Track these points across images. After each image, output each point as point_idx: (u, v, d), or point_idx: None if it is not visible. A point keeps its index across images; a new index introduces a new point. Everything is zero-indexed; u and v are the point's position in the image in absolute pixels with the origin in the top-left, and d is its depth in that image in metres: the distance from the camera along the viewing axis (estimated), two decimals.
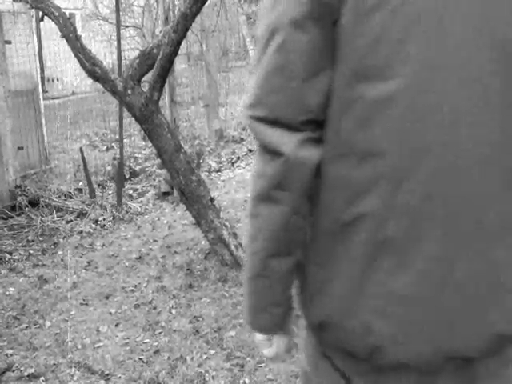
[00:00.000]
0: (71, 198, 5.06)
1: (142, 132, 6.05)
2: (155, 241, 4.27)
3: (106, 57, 9.86)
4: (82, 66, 3.51)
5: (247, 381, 2.55)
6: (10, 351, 2.89)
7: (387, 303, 0.94)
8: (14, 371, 2.72)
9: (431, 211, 0.90)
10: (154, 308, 3.25)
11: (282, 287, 1.01)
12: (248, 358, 2.67)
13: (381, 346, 0.96)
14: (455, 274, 0.92)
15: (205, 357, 2.73)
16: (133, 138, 7.36)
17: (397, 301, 0.93)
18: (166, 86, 4.93)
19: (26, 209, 4.77)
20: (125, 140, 6.24)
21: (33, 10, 4.81)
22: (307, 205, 0.97)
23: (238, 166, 6.50)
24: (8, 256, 4.07)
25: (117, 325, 3.11)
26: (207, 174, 6.03)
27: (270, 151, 0.93)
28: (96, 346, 2.91)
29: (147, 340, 2.93)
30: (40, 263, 3.99)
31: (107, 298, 3.42)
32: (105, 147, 7.37)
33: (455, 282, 0.93)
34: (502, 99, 0.90)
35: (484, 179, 0.91)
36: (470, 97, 0.88)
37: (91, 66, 3.47)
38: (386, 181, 0.89)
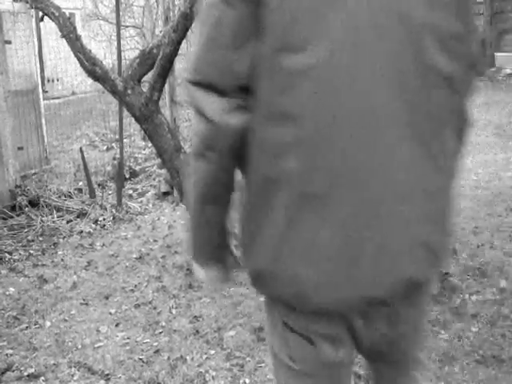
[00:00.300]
0: (71, 197, 5.06)
1: (142, 132, 6.05)
2: (155, 241, 4.27)
3: (105, 57, 9.85)
4: (82, 65, 3.50)
5: (247, 381, 2.55)
6: (10, 351, 2.89)
7: (310, 253, 1.05)
8: (14, 371, 2.72)
9: (346, 172, 1.01)
10: (154, 308, 3.25)
11: (215, 229, 1.18)
12: (248, 358, 2.67)
13: (306, 293, 1.08)
14: (370, 228, 1.04)
15: (205, 357, 2.73)
16: (133, 138, 7.35)
17: (319, 251, 1.05)
18: (166, 85, 4.94)
19: (26, 209, 4.77)
20: (125, 140, 6.23)
21: (33, 9, 4.81)
22: (234, 163, 1.10)
23: None
24: (8, 256, 4.07)
25: (117, 325, 3.11)
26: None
27: (202, 115, 1.06)
28: (96, 346, 2.91)
29: (147, 340, 2.93)
30: (40, 263, 3.99)
31: (107, 298, 3.42)
32: (105, 147, 7.37)
33: (370, 234, 1.04)
34: (411, 68, 1.01)
35: (394, 143, 1.02)
36: (380, 68, 0.99)
37: (91, 66, 3.47)
38: (304, 143, 1.00)
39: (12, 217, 4.71)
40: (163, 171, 5.26)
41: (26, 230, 4.48)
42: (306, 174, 1.01)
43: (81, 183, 5.39)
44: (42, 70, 10.48)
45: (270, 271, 1.10)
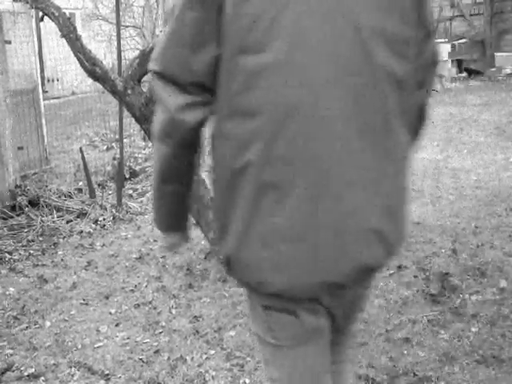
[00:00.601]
0: (71, 198, 5.06)
1: (142, 132, 6.05)
2: (155, 241, 4.27)
3: (105, 57, 9.85)
4: (82, 65, 3.50)
5: (247, 381, 2.54)
6: (10, 351, 2.89)
7: (271, 240, 1.13)
8: (13, 371, 2.72)
9: (300, 162, 1.10)
10: (154, 308, 3.25)
11: (172, 203, 1.33)
12: (248, 358, 2.67)
13: (267, 280, 1.16)
14: (324, 215, 1.12)
15: (205, 357, 2.73)
16: (133, 138, 7.35)
17: (279, 238, 1.13)
18: None
19: (26, 209, 4.77)
20: (125, 140, 6.23)
21: (33, 9, 4.80)
22: (190, 151, 1.23)
23: None
24: (8, 256, 4.07)
25: (117, 325, 3.10)
26: (207, 173, 6.02)
27: (161, 105, 1.17)
28: (96, 345, 2.91)
29: (147, 340, 2.93)
30: (40, 263, 3.99)
31: (107, 298, 3.42)
32: (105, 147, 7.37)
33: (325, 221, 1.12)
34: (360, 68, 1.10)
35: (344, 136, 1.11)
36: (328, 67, 1.08)
37: (91, 66, 3.47)
38: (262, 137, 1.10)
39: (12, 217, 4.71)
40: None
41: (26, 230, 4.48)
42: (265, 165, 1.11)
43: (81, 183, 5.39)
44: (42, 70, 10.48)
45: (236, 257, 1.19)
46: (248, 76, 1.08)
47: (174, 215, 1.37)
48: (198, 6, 1.10)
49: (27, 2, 3.67)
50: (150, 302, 3.31)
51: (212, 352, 2.77)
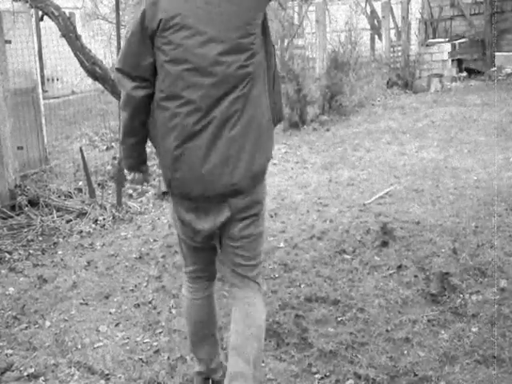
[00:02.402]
0: (71, 197, 5.05)
1: None
2: (155, 240, 4.26)
3: (105, 56, 9.84)
4: (82, 65, 3.51)
5: None
6: (10, 351, 2.89)
7: (183, 166, 1.97)
8: (13, 371, 2.72)
9: (192, 113, 1.93)
10: (154, 308, 3.25)
11: (133, 151, 2.17)
12: None
13: (173, 185, 2.04)
14: (210, 146, 1.93)
15: None
16: None
17: (185, 165, 1.97)
18: None
19: (26, 208, 4.77)
20: None
21: (33, 9, 4.80)
22: (139, 116, 2.05)
23: None
24: (8, 256, 4.06)
25: (117, 325, 3.10)
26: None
27: (122, 88, 2.03)
28: (96, 345, 2.90)
29: (147, 340, 2.93)
30: (40, 263, 3.99)
31: (107, 297, 3.42)
32: (105, 147, 7.36)
33: (210, 152, 1.93)
34: (230, 37, 1.89)
35: (211, 89, 1.91)
36: (216, 49, 1.91)
37: (91, 66, 3.47)
38: (182, 111, 1.93)
39: (12, 216, 4.71)
40: None
41: (25, 230, 4.48)
42: (186, 124, 1.93)
43: (81, 183, 5.38)
44: (42, 70, 10.47)
45: (170, 179, 2.04)
46: (172, 76, 1.93)
47: (135, 158, 2.19)
48: (137, 33, 1.95)
49: (27, 2, 3.67)
50: (150, 302, 3.31)
51: None
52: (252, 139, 1.94)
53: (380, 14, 12.30)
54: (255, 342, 2.09)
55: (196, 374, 2.44)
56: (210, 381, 2.43)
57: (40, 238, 4.39)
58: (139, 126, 2.07)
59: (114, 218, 4.74)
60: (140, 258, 3.98)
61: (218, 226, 2.04)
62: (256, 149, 1.96)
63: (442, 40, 11.89)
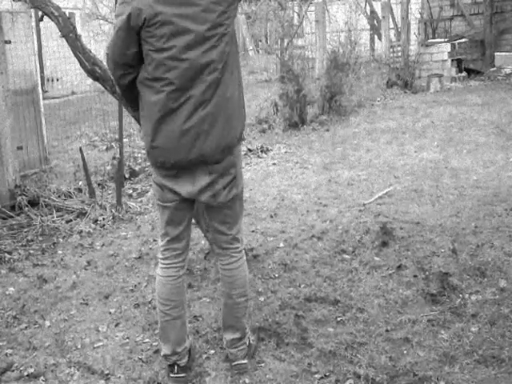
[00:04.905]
0: (71, 197, 5.05)
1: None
2: (155, 240, 4.26)
3: (105, 56, 9.82)
4: (82, 65, 3.50)
5: (247, 381, 2.55)
6: (10, 351, 2.89)
7: (166, 137, 2.31)
8: (13, 371, 2.72)
9: (180, 98, 2.28)
10: (154, 308, 3.24)
11: (131, 111, 2.95)
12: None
13: (151, 153, 2.37)
14: (185, 121, 2.29)
15: (205, 357, 2.73)
16: (132, 138, 7.35)
17: (169, 136, 2.30)
18: None
19: (26, 208, 4.77)
20: (124, 140, 6.23)
21: (32, 9, 4.80)
22: (129, 91, 2.42)
23: None
24: (8, 256, 4.06)
25: (116, 325, 3.10)
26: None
27: (110, 71, 2.46)
28: (96, 345, 2.91)
29: (147, 340, 2.93)
30: (40, 263, 3.99)
31: (107, 297, 3.42)
32: (104, 147, 7.36)
33: (185, 126, 2.29)
34: (204, 36, 2.26)
35: (186, 72, 2.26)
36: (192, 40, 2.26)
37: (91, 66, 3.47)
38: (167, 88, 2.27)
39: (12, 216, 4.71)
40: None
41: (25, 230, 4.48)
42: (167, 100, 2.27)
43: (80, 183, 5.38)
44: (42, 70, 10.47)
45: (149, 147, 2.36)
46: (157, 63, 2.26)
47: (133, 114, 2.94)
48: (124, 29, 2.25)
49: (26, 2, 3.66)
50: (150, 302, 3.31)
51: (212, 352, 2.77)
52: (223, 117, 2.30)
53: (380, 14, 12.30)
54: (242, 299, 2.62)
55: (163, 358, 2.61)
56: (176, 367, 2.55)
57: (40, 238, 4.40)
58: (132, 98, 2.48)
59: (113, 217, 4.74)
60: (140, 257, 3.98)
61: (199, 189, 2.38)
62: (226, 126, 2.32)
63: (442, 40, 11.89)
